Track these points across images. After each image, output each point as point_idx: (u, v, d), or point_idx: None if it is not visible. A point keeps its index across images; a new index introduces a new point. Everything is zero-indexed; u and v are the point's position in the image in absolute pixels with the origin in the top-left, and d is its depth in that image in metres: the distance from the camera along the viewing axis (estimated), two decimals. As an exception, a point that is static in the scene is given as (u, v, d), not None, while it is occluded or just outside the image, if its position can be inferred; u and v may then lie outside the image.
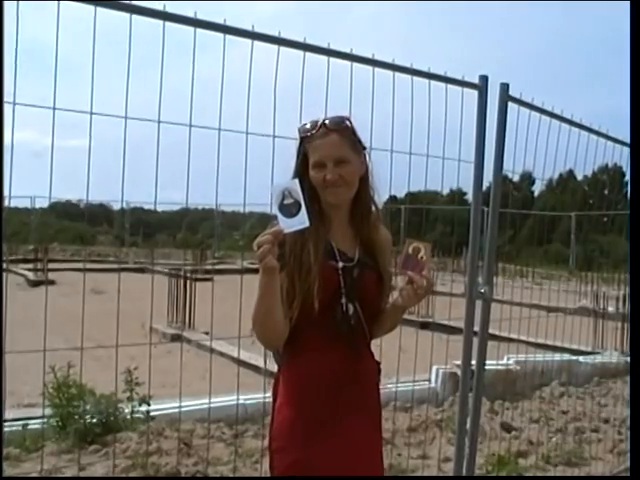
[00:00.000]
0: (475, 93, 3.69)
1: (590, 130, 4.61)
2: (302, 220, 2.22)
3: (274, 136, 3.19)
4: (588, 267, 22.52)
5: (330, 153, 2.47)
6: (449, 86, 3.66)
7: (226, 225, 35.52)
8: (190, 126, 3.13)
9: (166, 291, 12.42)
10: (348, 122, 2.55)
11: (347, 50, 3.28)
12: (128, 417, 5.99)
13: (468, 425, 3.90)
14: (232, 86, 3.26)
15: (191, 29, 2.95)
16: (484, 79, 3.69)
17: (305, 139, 2.54)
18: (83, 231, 34.03)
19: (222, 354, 9.25)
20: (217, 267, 22.48)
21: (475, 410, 3.94)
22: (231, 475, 4.99)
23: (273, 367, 7.67)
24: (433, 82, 3.61)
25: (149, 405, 5.98)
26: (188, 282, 12.77)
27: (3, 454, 4.12)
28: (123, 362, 4.96)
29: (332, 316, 2.47)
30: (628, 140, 5.01)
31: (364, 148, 2.61)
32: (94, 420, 5.73)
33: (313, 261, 2.42)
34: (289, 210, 2.23)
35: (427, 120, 3.68)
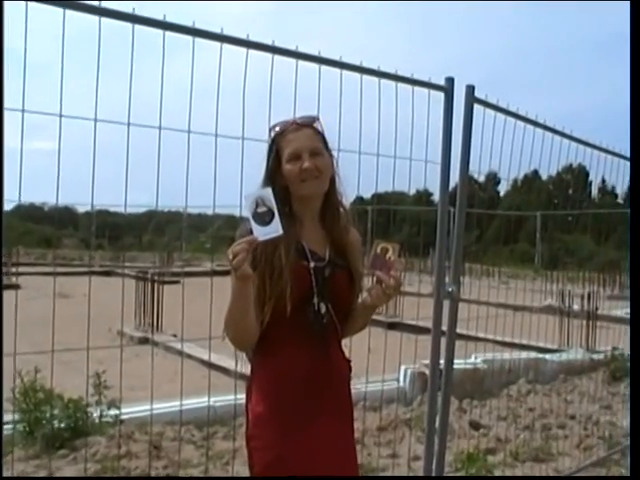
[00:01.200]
0: (441, 95, 3.73)
1: (554, 131, 4.67)
2: (276, 228, 2.23)
3: (243, 138, 3.20)
4: (553, 266, 22.83)
5: (305, 144, 2.53)
6: (416, 89, 3.69)
7: (192, 227, 35.37)
8: (160, 129, 3.13)
9: (133, 294, 12.36)
10: (318, 122, 2.63)
11: (315, 52, 3.29)
12: (97, 421, 5.96)
13: (437, 424, 3.94)
14: (202, 88, 3.26)
15: (161, 32, 2.94)
16: (450, 81, 3.72)
17: (277, 136, 2.58)
18: (48, 234, 33.71)
19: (190, 356, 9.24)
20: (184, 270, 22.33)
21: (444, 409, 3.98)
22: (203, 476, 4.98)
23: (243, 369, 7.69)
24: (400, 85, 3.63)
25: (119, 409, 5.96)
26: (156, 285, 12.72)
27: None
28: (91, 366, 4.91)
29: (304, 315, 2.51)
30: (588, 140, 5.11)
31: (332, 154, 2.66)
32: (62, 425, 5.69)
33: (284, 263, 2.44)
34: (262, 218, 2.24)
35: (394, 122, 3.71)
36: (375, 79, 3.51)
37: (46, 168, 3.11)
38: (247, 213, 2.27)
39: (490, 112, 4.05)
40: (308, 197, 2.59)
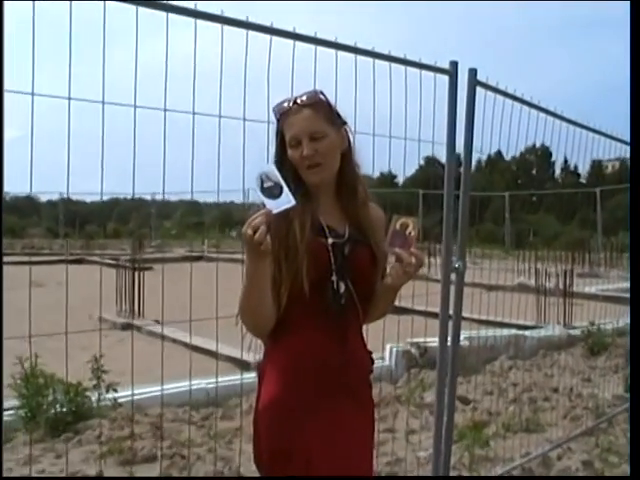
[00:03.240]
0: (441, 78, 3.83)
1: (547, 112, 4.82)
2: (288, 199, 2.16)
3: (220, 117, 3.20)
4: (521, 245, 23.17)
5: (304, 128, 2.40)
6: (415, 71, 3.78)
7: (157, 214, 35.23)
8: (135, 107, 3.07)
9: (109, 281, 12.35)
10: (322, 95, 2.49)
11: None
12: (95, 405, 6.04)
13: (446, 402, 4.06)
14: (174, 71, 3.18)
15: (135, 9, 2.87)
16: (454, 65, 3.84)
17: (281, 118, 2.48)
18: (12, 224, 33.28)
19: (175, 340, 9.27)
20: (156, 256, 22.32)
21: (451, 386, 4.11)
22: (209, 456, 5.08)
23: (230, 353, 7.75)
24: (397, 69, 3.71)
25: (116, 392, 6.06)
26: (135, 271, 12.75)
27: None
28: (75, 353, 4.96)
29: (322, 295, 2.38)
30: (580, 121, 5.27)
31: (344, 123, 2.53)
32: (64, 409, 5.76)
33: (300, 240, 2.34)
34: (271, 192, 2.18)
35: (391, 105, 3.73)
36: (369, 60, 3.55)
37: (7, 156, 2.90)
38: (256, 190, 2.19)
39: (487, 94, 4.16)
40: (317, 183, 2.49)
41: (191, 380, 4.82)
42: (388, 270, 2.42)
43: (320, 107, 2.45)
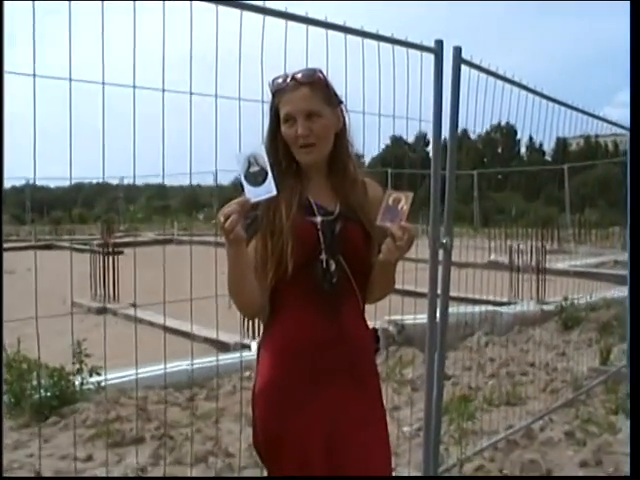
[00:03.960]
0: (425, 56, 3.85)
1: (525, 88, 4.88)
2: (269, 189, 2.14)
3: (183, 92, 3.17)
4: (489, 223, 23.39)
5: (300, 106, 2.37)
6: (401, 50, 3.80)
7: (123, 198, 35.00)
8: (103, 84, 2.98)
9: (80, 266, 12.29)
10: (320, 74, 2.45)
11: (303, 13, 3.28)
12: (78, 389, 6.03)
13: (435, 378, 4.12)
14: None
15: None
16: (439, 43, 3.86)
17: (277, 93, 2.44)
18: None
19: (152, 323, 9.26)
20: (126, 240, 22.17)
21: (440, 360, 4.18)
22: (197, 437, 5.11)
23: (207, 334, 7.79)
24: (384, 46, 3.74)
25: (100, 375, 6.05)
26: (107, 256, 12.71)
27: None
28: (52, 338, 4.93)
29: (312, 273, 2.36)
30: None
31: (340, 102, 2.51)
32: (48, 394, 5.75)
33: (285, 219, 2.32)
34: (255, 178, 2.15)
35: (379, 82, 3.75)
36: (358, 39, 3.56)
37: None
38: (239, 173, 2.17)
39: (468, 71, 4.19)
40: (309, 163, 2.46)
41: (166, 362, 4.83)
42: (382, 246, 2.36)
43: (318, 86, 2.42)
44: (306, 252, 2.35)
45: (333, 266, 2.38)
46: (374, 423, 2.44)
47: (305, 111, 2.37)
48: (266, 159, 2.16)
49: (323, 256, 2.37)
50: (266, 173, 2.15)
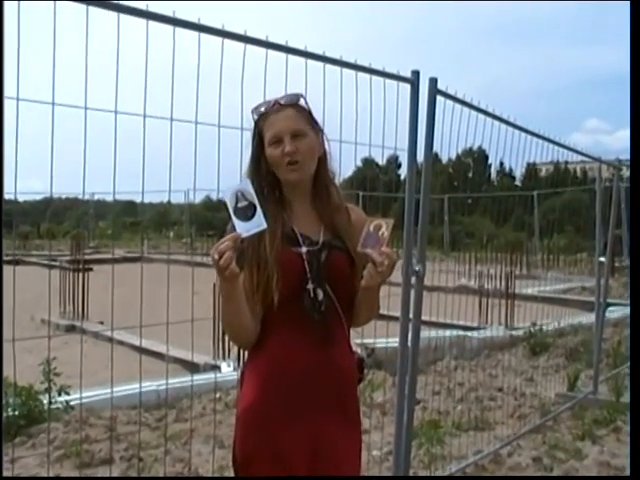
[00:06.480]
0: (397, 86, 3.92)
1: (501, 119, 4.96)
2: (259, 223, 2.17)
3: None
4: (458, 247, 23.53)
5: (286, 126, 2.41)
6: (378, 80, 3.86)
7: (92, 214, 34.74)
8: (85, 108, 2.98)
9: (49, 283, 12.18)
10: (303, 99, 2.52)
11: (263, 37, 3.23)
12: (46, 408, 5.98)
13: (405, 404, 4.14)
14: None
15: (83, 7, 2.76)
16: (416, 74, 3.93)
17: (260, 119, 2.49)
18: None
19: (122, 342, 9.20)
20: (96, 257, 22.02)
21: (411, 384, 4.20)
22: (167, 458, 5.09)
23: (178, 354, 7.75)
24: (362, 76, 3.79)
25: (68, 394, 6.02)
26: (77, 272, 12.62)
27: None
28: (20, 355, 4.88)
29: (300, 303, 2.39)
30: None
31: (321, 130, 2.56)
32: (16, 413, 5.69)
33: (269, 251, 2.35)
34: (244, 213, 2.18)
35: (356, 111, 3.80)
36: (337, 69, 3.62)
37: None
38: (228, 209, 2.19)
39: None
40: (295, 182, 2.49)
41: (141, 382, 4.82)
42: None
43: (301, 109, 2.50)
44: (292, 283, 2.38)
45: (321, 295, 2.42)
46: (352, 448, 2.51)
47: (291, 129, 2.42)
48: (253, 193, 2.19)
49: (310, 285, 2.41)
50: (255, 207, 2.18)
